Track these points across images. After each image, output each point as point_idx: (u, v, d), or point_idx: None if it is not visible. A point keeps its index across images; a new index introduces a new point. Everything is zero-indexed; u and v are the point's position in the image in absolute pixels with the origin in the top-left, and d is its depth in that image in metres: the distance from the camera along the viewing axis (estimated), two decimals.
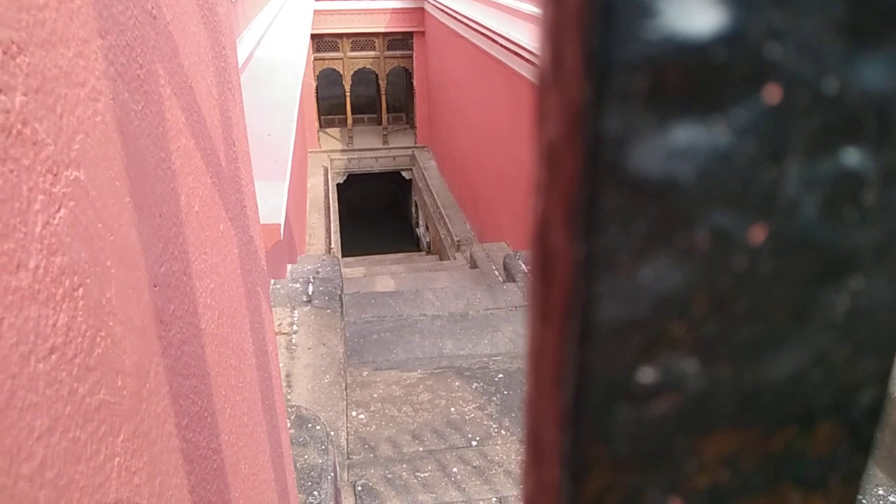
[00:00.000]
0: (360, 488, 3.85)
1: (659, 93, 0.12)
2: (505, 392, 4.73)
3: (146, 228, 0.77)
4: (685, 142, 0.12)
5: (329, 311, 5.18)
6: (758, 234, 0.13)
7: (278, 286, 5.31)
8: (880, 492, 3.42)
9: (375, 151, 16.45)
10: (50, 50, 0.55)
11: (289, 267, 5.60)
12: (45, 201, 0.53)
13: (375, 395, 4.80)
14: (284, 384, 4.29)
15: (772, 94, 0.12)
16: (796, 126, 0.12)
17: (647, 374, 0.14)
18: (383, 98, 16.54)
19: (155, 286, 0.79)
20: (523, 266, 6.41)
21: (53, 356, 0.52)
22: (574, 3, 0.11)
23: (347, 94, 15.86)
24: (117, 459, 0.64)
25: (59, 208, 0.55)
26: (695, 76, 0.12)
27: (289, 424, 3.04)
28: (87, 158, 0.61)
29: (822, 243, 0.13)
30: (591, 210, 0.12)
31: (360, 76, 16.13)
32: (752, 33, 0.12)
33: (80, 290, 0.58)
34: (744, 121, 0.12)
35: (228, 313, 1.22)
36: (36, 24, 0.53)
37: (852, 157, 0.13)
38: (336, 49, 15.53)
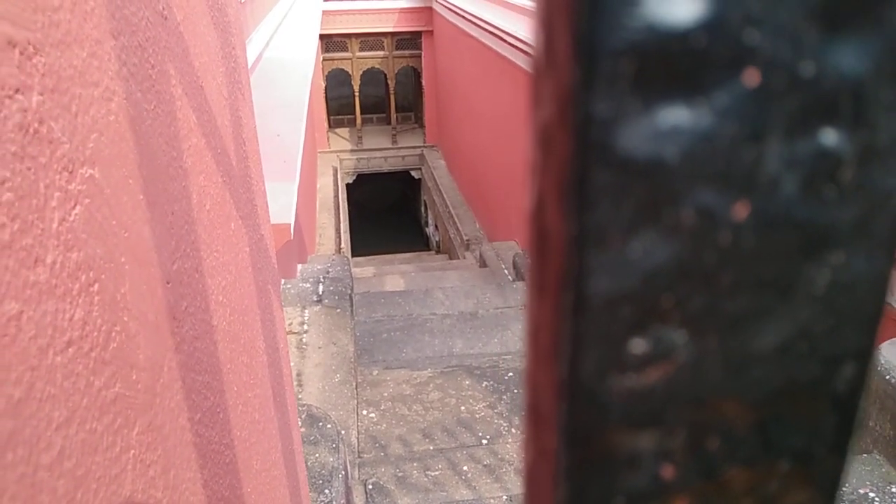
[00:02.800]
0: (370, 487, 3.86)
1: (644, 77, 0.13)
2: (515, 390, 4.74)
3: (159, 226, 0.78)
4: (670, 123, 0.13)
5: (339, 310, 5.19)
6: (741, 211, 0.14)
7: (289, 286, 5.33)
8: (894, 490, 3.40)
9: (384, 151, 16.48)
10: (65, 50, 0.57)
11: (299, 267, 5.62)
12: (61, 198, 0.54)
13: (386, 394, 4.81)
14: (295, 383, 4.31)
15: (751, 77, 0.13)
16: (775, 108, 0.13)
17: (638, 345, 0.15)
18: (392, 98, 16.57)
19: (168, 283, 0.80)
20: None
21: (70, 349, 0.54)
22: None
23: (356, 93, 15.89)
24: (132, 452, 0.65)
25: (75, 205, 0.56)
26: (678, 61, 0.13)
27: (300, 423, 3.06)
28: (101, 157, 0.62)
29: (802, 219, 0.14)
30: (583, 188, 0.13)
31: (369, 76, 16.16)
32: (731, 20, 0.12)
33: (96, 285, 0.59)
34: (725, 103, 0.13)
35: (240, 311, 1.23)
36: (51, 25, 0.55)
37: (830, 137, 0.14)
38: (345, 49, 15.56)
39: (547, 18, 0.13)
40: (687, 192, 0.13)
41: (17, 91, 0.48)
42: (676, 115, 0.13)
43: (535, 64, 0.14)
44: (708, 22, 0.12)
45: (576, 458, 0.16)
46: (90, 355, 0.57)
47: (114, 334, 0.62)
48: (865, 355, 0.16)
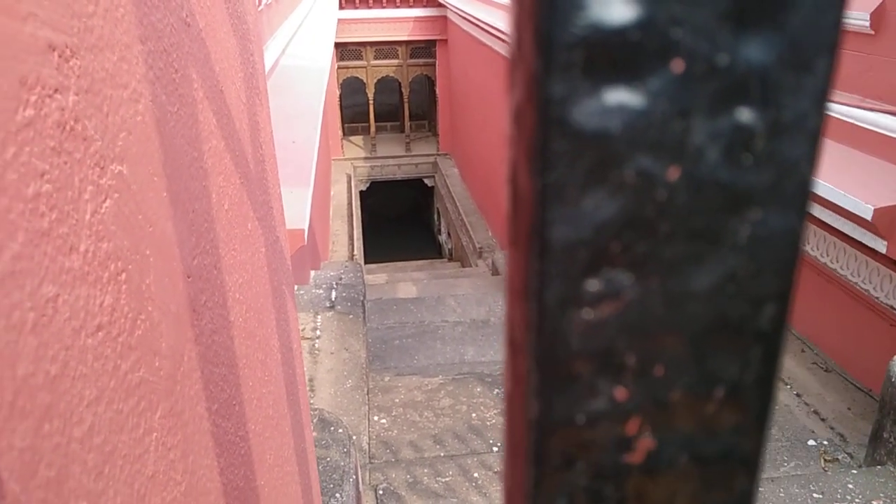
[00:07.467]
0: (381, 491, 3.88)
1: (592, 65, 0.16)
2: None
3: (180, 222, 0.82)
4: (614, 102, 0.16)
5: (352, 316, 5.24)
6: (673, 173, 0.17)
7: (302, 292, 5.38)
8: None
9: (398, 159, 16.58)
10: (98, 54, 0.61)
11: (312, 273, 5.67)
12: (93, 191, 0.58)
13: (397, 400, 4.84)
14: (307, 388, 4.35)
15: (677, 66, 0.16)
16: (698, 90, 0.17)
17: (593, 285, 0.18)
18: (406, 106, 16.67)
19: (188, 277, 0.84)
20: None
21: (100, 333, 0.58)
22: (529, 1, 0.16)
23: (371, 101, 16.00)
24: (155, 434, 0.69)
25: (106, 199, 0.60)
26: (618, 52, 0.16)
27: (311, 427, 3.09)
28: (129, 154, 0.66)
29: (724, 181, 0.18)
30: (544, 154, 0.17)
31: (384, 84, 16.28)
32: (659, 20, 0.16)
33: (123, 274, 0.63)
34: (657, 86, 0.16)
35: (255, 308, 1.27)
36: (86, 30, 0.59)
37: (744, 114, 0.17)
38: (360, 57, 15.69)
39: (517, 21, 0.17)
40: (628, 157, 0.17)
41: (55, 91, 0.53)
42: (618, 96, 0.16)
43: (511, 56, 0.18)
44: (640, 21, 0.16)
45: (543, 380, 0.19)
46: (118, 340, 0.61)
47: (139, 322, 0.66)
48: (784, 298, 0.19)
